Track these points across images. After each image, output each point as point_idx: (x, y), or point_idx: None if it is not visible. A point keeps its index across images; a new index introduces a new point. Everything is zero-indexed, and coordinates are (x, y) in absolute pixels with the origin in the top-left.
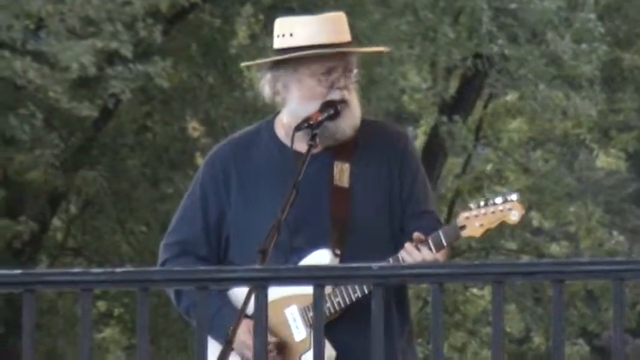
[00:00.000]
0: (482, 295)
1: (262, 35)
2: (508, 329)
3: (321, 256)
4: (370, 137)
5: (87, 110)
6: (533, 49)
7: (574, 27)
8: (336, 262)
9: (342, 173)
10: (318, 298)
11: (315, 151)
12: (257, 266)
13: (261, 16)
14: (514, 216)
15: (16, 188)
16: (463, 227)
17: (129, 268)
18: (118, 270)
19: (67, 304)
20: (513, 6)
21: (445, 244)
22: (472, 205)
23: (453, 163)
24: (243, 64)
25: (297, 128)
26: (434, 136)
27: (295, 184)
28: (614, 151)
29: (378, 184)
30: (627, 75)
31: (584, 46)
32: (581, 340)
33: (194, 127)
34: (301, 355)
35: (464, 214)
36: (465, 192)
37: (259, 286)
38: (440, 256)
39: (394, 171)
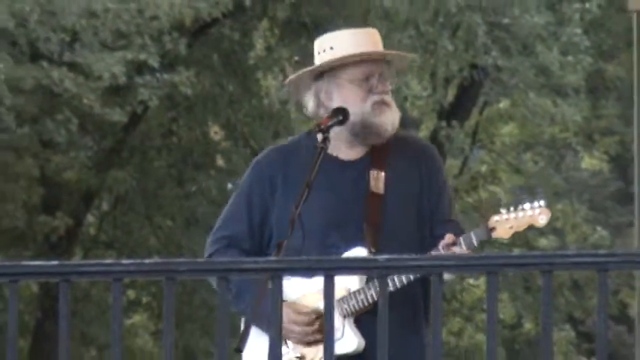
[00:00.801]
0: (477, 284)
1: (277, 47)
2: (501, 316)
3: (358, 254)
4: (402, 148)
5: (118, 116)
6: (523, 60)
7: (561, 40)
8: None
9: (377, 181)
10: (329, 288)
11: (353, 158)
12: (272, 258)
13: (277, 30)
14: (542, 220)
15: (53, 187)
16: (493, 229)
17: (156, 260)
18: (146, 261)
19: (99, 293)
20: (506, 21)
21: (476, 244)
22: (503, 210)
23: (451, 165)
24: (287, 81)
25: (309, 133)
26: (433, 140)
27: (308, 184)
28: (597, 154)
29: (409, 192)
30: (610, 85)
31: (570, 57)
32: (567, 326)
33: (215, 132)
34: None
35: (494, 218)
36: (462, 191)
37: (275, 276)
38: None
39: (424, 182)
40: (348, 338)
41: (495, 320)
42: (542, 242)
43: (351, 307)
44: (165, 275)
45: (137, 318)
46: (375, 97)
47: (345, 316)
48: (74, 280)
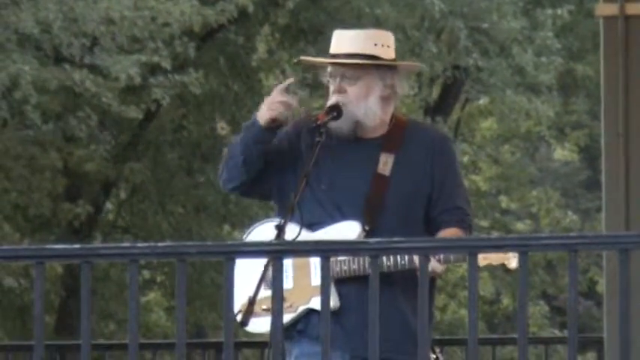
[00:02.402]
0: (460, 264)
1: (278, 50)
2: (481, 292)
3: (350, 227)
4: (415, 136)
5: (133, 113)
6: (501, 61)
7: (535, 43)
8: (362, 236)
9: (386, 164)
10: (325, 267)
11: (368, 136)
12: (274, 241)
13: (277, 35)
14: (513, 264)
15: (75, 177)
16: None
17: (168, 243)
18: (160, 244)
19: (117, 273)
20: (485, 26)
21: (452, 260)
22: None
23: None
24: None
25: (308, 127)
26: None
27: (306, 175)
28: (568, 146)
29: (415, 177)
30: (579, 83)
31: (543, 59)
32: (542, 302)
33: (222, 127)
34: (312, 296)
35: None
36: None
37: (276, 257)
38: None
39: (429, 168)
40: None
41: (476, 296)
42: (519, 226)
43: (335, 272)
44: (177, 257)
45: (152, 295)
46: (333, 99)
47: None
48: (95, 262)
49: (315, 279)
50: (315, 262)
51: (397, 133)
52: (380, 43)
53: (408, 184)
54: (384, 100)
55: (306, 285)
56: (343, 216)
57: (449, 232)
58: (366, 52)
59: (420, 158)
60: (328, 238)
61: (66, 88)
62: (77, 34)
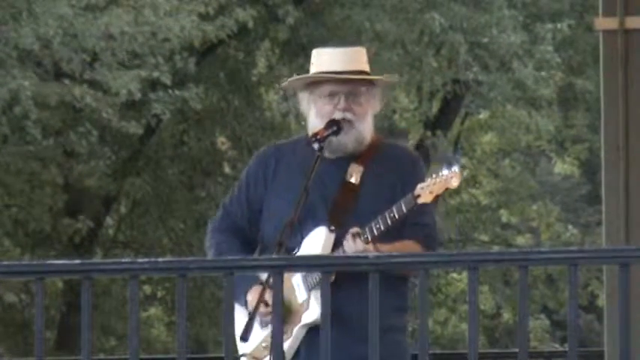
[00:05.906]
0: (460, 278)
1: (278, 65)
2: (482, 307)
3: (318, 233)
4: (386, 153)
5: (134, 128)
6: (501, 75)
7: (535, 57)
8: (331, 237)
9: (355, 173)
10: (325, 283)
11: (336, 156)
12: (275, 256)
13: (277, 50)
14: (454, 183)
15: (75, 193)
16: (419, 196)
17: (169, 259)
18: (160, 260)
19: (118, 288)
20: (485, 40)
21: (404, 210)
22: (427, 179)
23: None
24: (281, 86)
25: (308, 142)
26: (420, 148)
27: (306, 188)
28: (569, 160)
29: (384, 189)
30: (579, 97)
31: (543, 73)
32: (542, 316)
33: (222, 142)
34: (302, 314)
35: (420, 185)
36: (446, 194)
37: (276, 272)
38: (375, 247)
39: (398, 185)
40: (311, 309)
41: (476, 311)
42: (519, 240)
43: (314, 279)
44: (178, 272)
45: (153, 310)
46: (337, 115)
47: (310, 289)
48: (95, 277)
49: (301, 295)
50: (296, 279)
51: (369, 148)
52: (366, 59)
53: (376, 195)
54: (373, 115)
55: (294, 306)
56: (315, 222)
57: (406, 244)
58: (364, 68)
59: (389, 174)
60: (305, 249)
61: (66, 104)
62: (77, 50)
